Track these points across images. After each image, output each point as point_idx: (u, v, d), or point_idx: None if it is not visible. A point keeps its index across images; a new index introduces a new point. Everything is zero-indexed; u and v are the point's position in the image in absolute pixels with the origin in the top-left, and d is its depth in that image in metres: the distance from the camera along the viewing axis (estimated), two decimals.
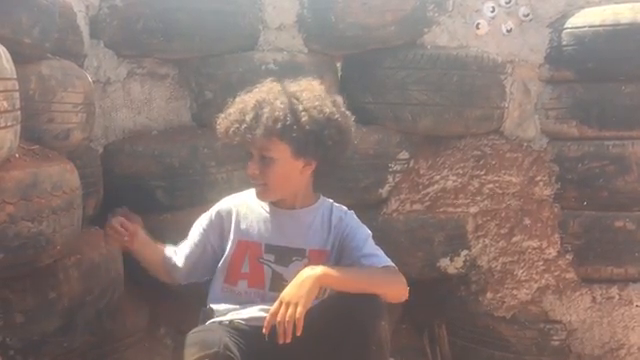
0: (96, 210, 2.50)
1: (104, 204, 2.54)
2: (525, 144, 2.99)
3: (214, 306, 2.03)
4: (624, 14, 2.71)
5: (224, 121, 2.02)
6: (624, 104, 2.75)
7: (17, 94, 1.80)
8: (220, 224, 2.08)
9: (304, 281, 1.79)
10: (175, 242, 2.13)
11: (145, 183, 2.63)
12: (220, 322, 1.96)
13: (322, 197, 2.11)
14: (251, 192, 2.08)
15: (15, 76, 1.79)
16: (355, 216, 2.10)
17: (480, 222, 2.91)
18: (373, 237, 2.05)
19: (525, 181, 2.92)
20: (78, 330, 2.07)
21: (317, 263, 1.90)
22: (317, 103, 1.96)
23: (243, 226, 2.06)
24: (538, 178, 2.92)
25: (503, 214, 2.91)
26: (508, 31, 2.94)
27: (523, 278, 2.89)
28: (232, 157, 2.60)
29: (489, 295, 2.91)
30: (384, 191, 2.91)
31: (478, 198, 2.91)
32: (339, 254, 2.02)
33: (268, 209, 2.06)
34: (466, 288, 2.96)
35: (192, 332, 1.91)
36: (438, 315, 3.01)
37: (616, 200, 2.78)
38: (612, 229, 2.79)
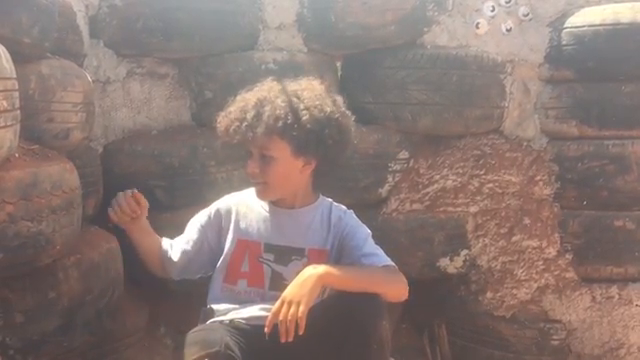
0: (96, 210, 2.49)
1: (104, 204, 2.53)
2: (525, 144, 2.99)
3: (214, 306, 2.03)
4: (624, 13, 2.72)
5: (224, 119, 2.02)
6: (624, 104, 2.75)
7: (17, 93, 1.80)
8: (218, 222, 2.08)
9: (306, 280, 1.79)
10: None
11: (145, 183, 2.61)
12: (221, 321, 1.96)
13: (321, 196, 2.11)
14: (250, 191, 2.08)
15: (15, 76, 1.79)
16: (354, 215, 2.10)
17: (480, 222, 2.91)
18: (373, 237, 2.06)
19: (525, 181, 2.92)
20: (78, 330, 2.07)
21: (317, 262, 1.90)
22: (318, 102, 1.97)
23: (242, 225, 2.06)
24: (538, 178, 2.92)
25: (503, 214, 2.91)
26: (508, 30, 2.94)
27: (523, 278, 2.90)
28: (232, 157, 2.60)
29: (489, 295, 2.91)
30: (384, 191, 2.91)
31: (478, 198, 2.91)
32: (339, 253, 2.02)
33: (267, 208, 2.06)
34: (466, 288, 2.96)
35: (192, 331, 1.91)
36: (438, 315, 3.01)
37: (616, 199, 2.79)
38: (612, 229, 2.79)
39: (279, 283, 1.97)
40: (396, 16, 2.79)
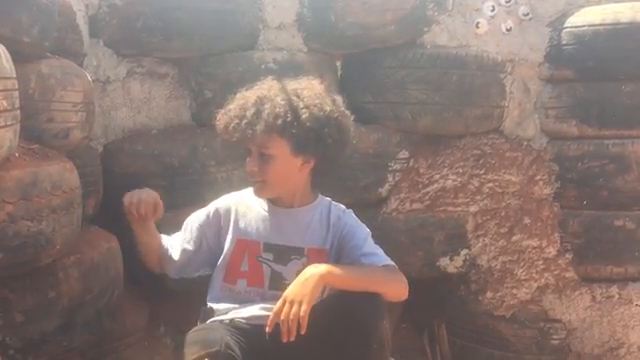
0: (96, 209, 2.50)
1: (104, 203, 2.54)
2: (525, 143, 2.99)
3: (214, 305, 2.02)
4: (624, 13, 2.72)
5: (224, 117, 2.02)
6: (624, 103, 2.75)
7: (17, 93, 1.80)
8: (218, 222, 2.08)
9: (308, 279, 1.79)
10: None
11: (145, 182, 2.59)
12: (221, 321, 1.96)
13: (320, 196, 2.11)
14: (249, 191, 2.08)
15: (15, 75, 1.79)
16: (354, 215, 2.10)
17: (480, 221, 2.91)
18: (373, 236, 2.05)
19: (525, 180, 2.92)
20: (78, 329, 2.07)
21: (316, 262, 1.90)
22: (317, 101, 1.97)
23: (242, 225, 2.05)
24: (538, 177, 2.92)
25: (503, 213, 2.91)
26: (508, 30, 2.94)
27: (523, 277, 2.89)
28: (232, 156, 2.60)
29: (489, 294, 2.91)
30: (384, 190, 2.91)
31: (478, 197, 2.91)
32: (338, 253, 2.02)
33: (267, 207, 2.06)
34: (466, 287, 2.96)
35: (193, 331, 1.91)
36: (438, 314, 3.01)
37: (616, 199, 2.79)
38: (612, 228, 2.79)
39: (279, 282, 1.97)
40: (396, 16, 2.79)
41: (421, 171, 2.94)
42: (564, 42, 2.83)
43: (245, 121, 1.95)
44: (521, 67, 2.96)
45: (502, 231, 2.91)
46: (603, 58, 2.74)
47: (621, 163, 2.76)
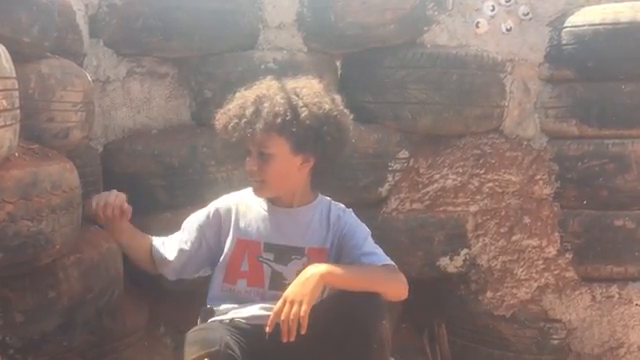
0: None
1: None
2: (525, 143, 2.99)
3: (214, 305, 2.02)
4: (624, 13, 2.72)
5: (223, 116, 2.02)
6: (624, 103, 2.75)
7: (16, 93, 1.80)
8: (218, 223, 2.07)
9: (308, 279, 1.79)
10: None
11: (145, 182, 2.62)
12: (221, 321, 1.96)
13: (320, 195, 2.11)
14: (249, 191, 2.08)
15: (14, 75, 1.79)
16: (353, 214, 2.10)
17: (480, 221, 2.91)
18: (372, 236, 2.05)
19: (525, 180, 2.92)
20: (78, 329, 2.07)
21: (316, 261, 1.90)
22: (317, 99, 1.97)
23: (242, 225, 2.05)
24: (538, 177, 2.92)
25: (503, 213, 2.91)
26: (508, 30, 2.94)
27: (523, 277, 2.90)
28: (232, 156, 2.60)
29: (489, 294, 2.91)
30: (384, 190, 2.91)
31: (478, 197, 2.91)
32: (338, 252, 2.02)
33: (266, 207, 2.06)
34: (466, 287, 2.96)
35: (192, 331, 1.91)
36: (438, 314, 3.01)
37: (616, 199, 2.79)
38: (612, 228, 2.79)
39: (279, 282, 1.97)
40: (396, 15, 2.79)
41: (421, 171, 2.94)
42: (564, 42, 2.83)
43: (244, 120, 1.95)
44: (521, 67, 2.96)
45: (502, 231, 2.91)
46: (603, 58, 2.75)
47: (621, 163, 2.76)
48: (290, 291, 1.79)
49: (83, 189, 2.15)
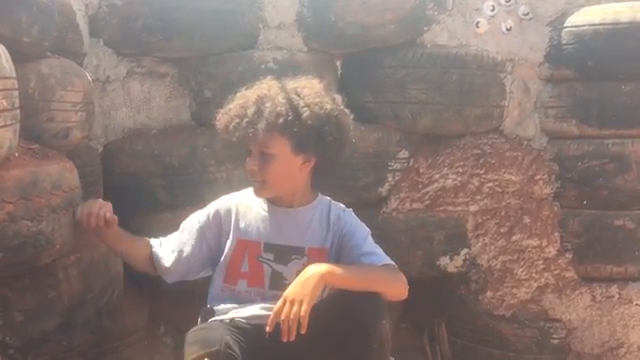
0: None
1: None
2: (525, 143, 2.99)
3: (214, 306, 2.02)
4: (624, 13, 2.72)
5: (224, 116, 2.02)
6: (624, 103, 2.75)
7: (16, 93, 1.80)
8: (218, 224, 2.07)
9: (308, 279, 1.79)
10: None
11: (145, 182, 2.62)
12: (221, 320, 1.96)
13: (320, 195, 2.11)
14: (249, 191, 2.07)
15: (14, 75, 1.79)
16: (353, 214, 2.10)
17: (480, 221, 2.91)
18: (372, 236, 2.05)
19: (525, 180, 2.92)
20: (78, 329, 2.07)
21: (317, 261, 1.89)
22: (318, 99, 1.97)
23: (242, 225, 2.05)
24: (538, 177, 2.92)
25: (503, 213, 2.91)
26: (508, 30, 2.94)
27: (523, 277, 2.90)
28: (232, 156, 2.60)
29: (489, 294, 2.91)
30: (384, 190, 2.91)
31: (478, 197, 2.91)
32: (338, 252, 2.02)
33: (266, 207, 2.06)
34: (466, 287, 2.96)
35: (193, 330, 1.91)
36: (438, 314, 3.01)
37: (616, 199, 2.79)
38: (612, 228, 2.79)
39: (279, 282, 1.97)
40: (396, 15, 2.79)
41: (421, 171, 2.94)
42: (564, 42, 2.83)
43: (246, 120, 1.95)
44: (521, 67, 2.96)
45: (502, 231, 2.91)
46: (603, 58, 2.74)
47: (621, 163, 2.76)
48: (290, 291, 1.79)
49: (83, 189, 2.16)
